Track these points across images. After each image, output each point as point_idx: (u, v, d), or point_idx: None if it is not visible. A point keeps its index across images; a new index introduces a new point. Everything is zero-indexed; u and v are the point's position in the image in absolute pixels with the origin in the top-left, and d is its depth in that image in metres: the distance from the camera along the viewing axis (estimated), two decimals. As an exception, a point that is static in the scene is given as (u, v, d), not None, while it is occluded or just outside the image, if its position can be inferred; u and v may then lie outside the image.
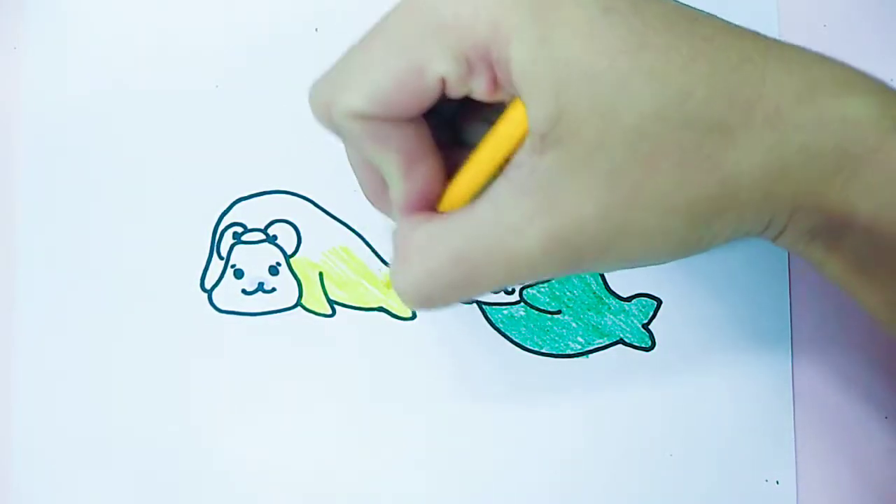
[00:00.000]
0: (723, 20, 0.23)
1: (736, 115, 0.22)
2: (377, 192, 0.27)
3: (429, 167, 0.25)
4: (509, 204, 0.23)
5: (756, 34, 0.23)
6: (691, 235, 0.23)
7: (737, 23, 0.23)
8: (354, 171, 0.27)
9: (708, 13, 0.24)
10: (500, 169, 0.24)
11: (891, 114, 0.22)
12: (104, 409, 0.33)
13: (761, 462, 0.33)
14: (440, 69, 0.23)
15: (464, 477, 0.33)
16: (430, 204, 0.25)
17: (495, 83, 0.23)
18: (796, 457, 0.33)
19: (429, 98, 0.23)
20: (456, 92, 0.23)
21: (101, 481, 0.33)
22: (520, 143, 0.23)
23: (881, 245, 0.23)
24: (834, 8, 0.34)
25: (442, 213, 0.25)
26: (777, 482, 0.33)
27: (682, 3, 0.23)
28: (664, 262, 0.25)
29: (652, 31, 0.22)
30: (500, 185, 0.23)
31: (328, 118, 0.24)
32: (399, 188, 0.25)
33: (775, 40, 0.23)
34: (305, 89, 0.25)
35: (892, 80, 0.34)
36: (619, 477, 0.33)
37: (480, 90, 0.23)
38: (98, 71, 0.35)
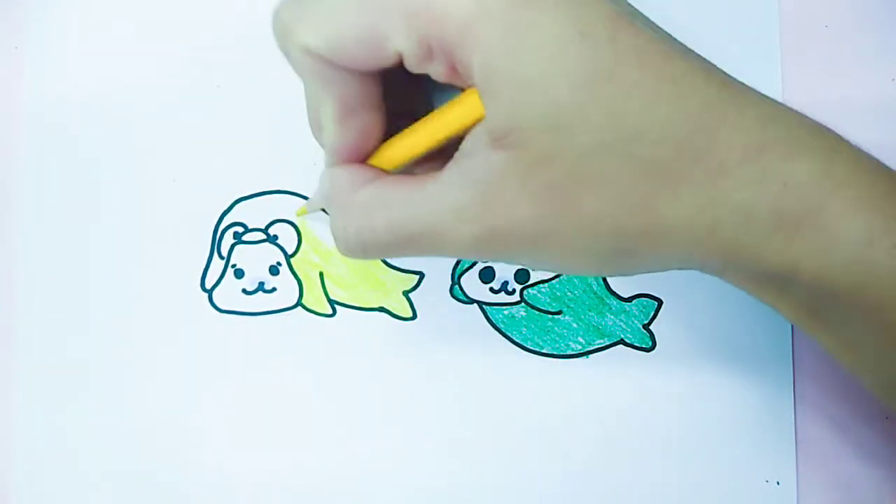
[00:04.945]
0: (697, 57, 0.23)
1: (680, 165, 0.22)
2: (318, 126, 0.27)
3: (366, 123, 0.25)
4: (455, 188, 0.24)
5: (725, 80, 0.23)
6: (614, 260, 0.24)
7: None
8: (306, 97, 0.27)
9: (683, 47, 0.24)
10: (439, 145, 0.25)
11: (835, 173, 0.23)
12: (104, 408, 0.33)
13: (762, 462, 0.33)
14: (400, 45, 0.23)
15: (464, 477, 0.33)
16: (360, 158, 0.26)
17: (454, 72, 0.23)
18: (797, 457, 0.33)
19: (384, 62, 0.24)
20: (412, 68, 0.24)
21: (100, 481, 0.33)
22: (467, 129, 0.24)
23: (829, 297, 0.23)
24: (835, 8, 0.34)
25: (378, 170, 0.26)
26: (777, 483, 0.33)
27: (663, 34, 0.23)
28: (589, 276, 0.25)
29: (622, 64, 0.22)
30: (451, 169, 0.24)
31: (283, 42, 0.25)
32: (331, 134, 0.25)
33: (742, 88, 0.23)
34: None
35: (892, 79, 0.34)
36: (619, 477, 0.33)
37: (436, 74, 0.24)
38: (99, 71, 0.35)
